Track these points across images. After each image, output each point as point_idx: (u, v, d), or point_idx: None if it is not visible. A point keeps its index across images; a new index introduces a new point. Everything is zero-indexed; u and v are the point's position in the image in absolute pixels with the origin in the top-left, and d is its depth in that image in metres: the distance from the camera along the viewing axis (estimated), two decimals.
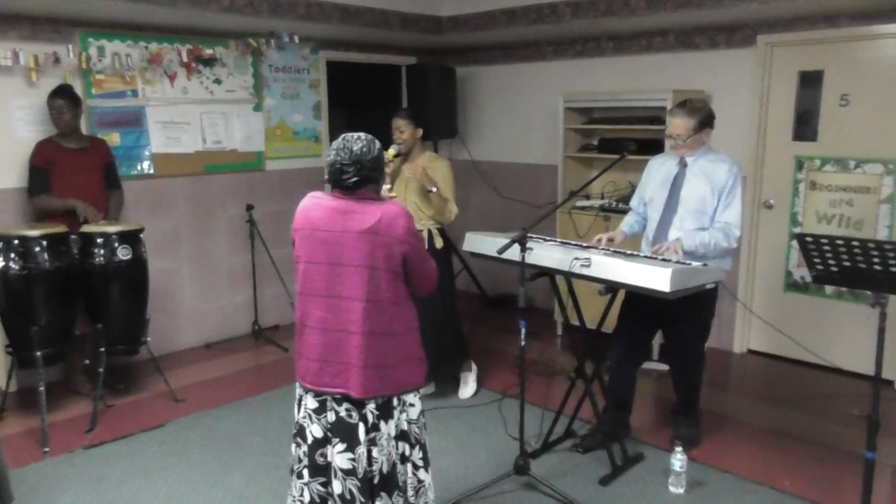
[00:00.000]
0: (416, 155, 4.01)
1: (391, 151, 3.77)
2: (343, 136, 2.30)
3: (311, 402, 2.31)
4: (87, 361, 4.08)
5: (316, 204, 2.30)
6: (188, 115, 5.00)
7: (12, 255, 3.60)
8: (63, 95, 4.06)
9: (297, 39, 5.22)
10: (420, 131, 3.99)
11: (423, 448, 2.41)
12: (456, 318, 4.26)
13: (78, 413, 3.99)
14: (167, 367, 4.44)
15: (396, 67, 6.38)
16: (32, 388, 3.80)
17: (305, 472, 2.32)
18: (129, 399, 4.23)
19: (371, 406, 2.26)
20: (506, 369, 4.60)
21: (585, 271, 2.94)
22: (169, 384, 4.24)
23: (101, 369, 3.89)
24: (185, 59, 4.85)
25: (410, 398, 2.36)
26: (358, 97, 6.26)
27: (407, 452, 2.35)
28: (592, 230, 4.90)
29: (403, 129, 3.93)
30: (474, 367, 4.35)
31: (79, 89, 4.37)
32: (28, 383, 4.06)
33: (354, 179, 2.22)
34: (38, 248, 3.65)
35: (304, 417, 2.32)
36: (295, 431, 2.38)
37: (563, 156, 5.32)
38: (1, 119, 4.19)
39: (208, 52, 4.95)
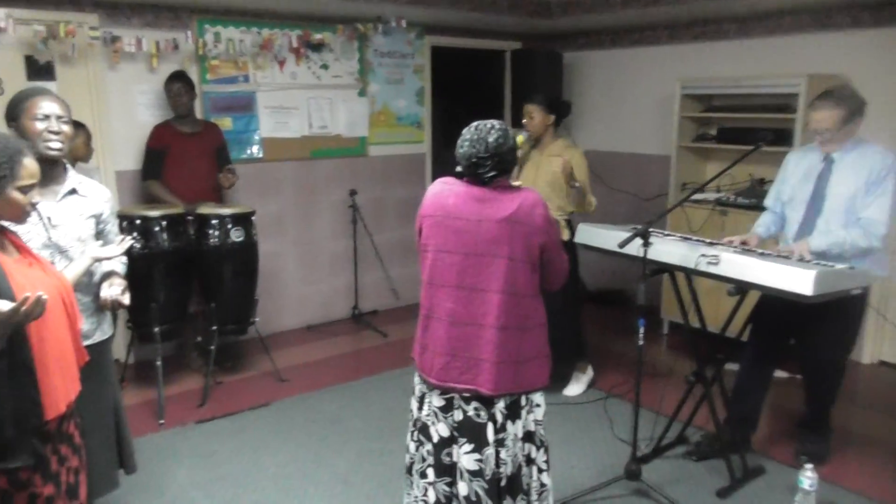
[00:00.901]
0: (548, 142, 3.86)
1: (520, 138, 3.66)
2: (474, 125, 2.20)
3: (436, 401, 2.23)
4: (200, 339, 4.22)
5: (449, 190, 2.21)
6: (296, 100, 5.07)
7: (134, 235, 3.74)
8: (179, 79, 4.19)
9: (403, 24, 5.18)
10: (552, 117, 3.84)
11: (546, 450, 2.31)
12: (577, 314, 4.09)
13: (190, 388, 4.14)
14: (273, 348, 4.54)
15: (500, 53, 6.26)
16: (150, 361, 3.96)
17: (430, 472, 2.25)
18: (237, 377, 4.36)
19: (501, 405, 2.16)
20: (609, 367, 4.43)
21: (713, 269, 2.75)
22: (275, 364, 4.34)
23: (212, 347, 4.02)
24: (294, 44, 4.91)
25: (537, 398, 2.26)
26: (460, 83, 6.18)
27: (533, 454, 2.26)
28: (707, 225, 4.63)
29: (534, 114, 3.81)
30: (590, 370, 4.18)
31: (194, 75, 4.51)
32: (146, 357, 4.24)
33: (493, 173, 2.13)
34: (157, 228, 3.78)
35: (429, 416, 2.25)
36: (414, 428, 2.31)
37: (677, 145, 5.05)
38: (124, 103, 4.37)
39: (317, 37, 4.99)
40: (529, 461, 2.25)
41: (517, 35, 6.19)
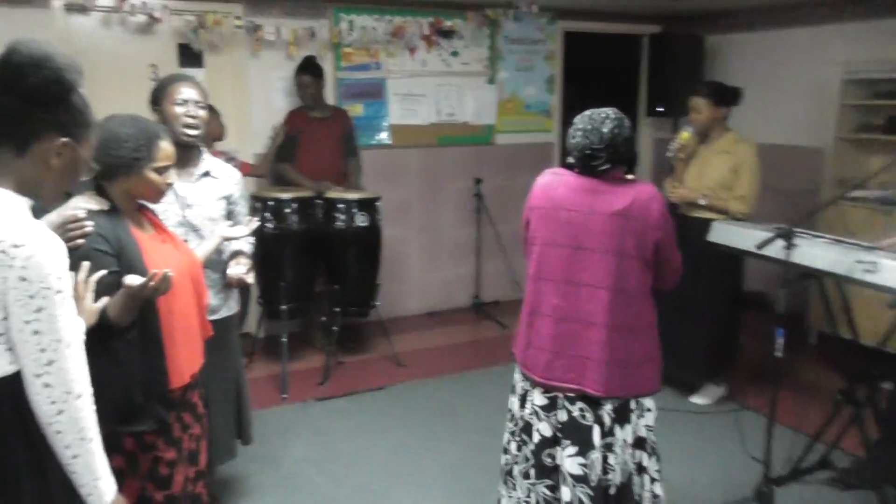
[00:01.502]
0: (717, 136, 3.58)
1: (685, 135, 3.47)
2: (588, 114, 2.07)
3: (539, 399, 2.14)
4: (324, 319, 4.36)
5: (559, 181, 2.11)
6: (425, 88, 5.09)
7: (267, 215, 3.91)
8: (307, 71, 4.30)
9: (535, 9, 5.05)
10: (722, 110, 3.54)
11: (659, 459, 2.15)
12: (736, 322, 3.80)
13: (313, 366, 4.28)
14: (392, 332, 4.61)
15: (637, 37, 5.96)
16: (276, 337, 4.13)
17: (532, 473, 2.17)
18: (358, 358, 4.46)
19: (608, 407, 2.05)
20: (741, 376, 4.10)
21: (870, 278, 2.43)
22: (394, 348, 4.40)
23: (335, 327, 4.13)
24: (425, 31, 4.92)
25: (648, 402, 2.12)
26: (593, 69, 5.95)
27: (644, 462, 2.11)
28: (867, 227, 4.16)
29: (701, 108, 3.53)
30: (725, 385, 3.88)
31: (329, 62, 4.64)
32: (273, 333, 4.44)
33: (606, 166, 2.00)
34: (288, 210, 3.93)
35: (532, 414, 2.17)
36: (514, 427, 2.24)
37: (836, 136, 4.57)
38: (263, 89, 4.57)
39: (448, 24, 4.97)
40: (641, 469, 2.11)
41: (655, 18, 5.87)
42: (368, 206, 4.09)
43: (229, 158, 3.98)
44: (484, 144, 5.40)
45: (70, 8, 3.99)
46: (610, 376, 2.01)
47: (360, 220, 4.04)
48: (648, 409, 2.13)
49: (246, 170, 4.08)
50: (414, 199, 5.23)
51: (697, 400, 3.81)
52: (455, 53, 5.14)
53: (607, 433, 2.05)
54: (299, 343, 4.57)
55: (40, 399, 1.38)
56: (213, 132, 3.99)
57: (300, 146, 4.36)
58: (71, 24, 4.04)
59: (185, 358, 2.04)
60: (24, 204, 1.42)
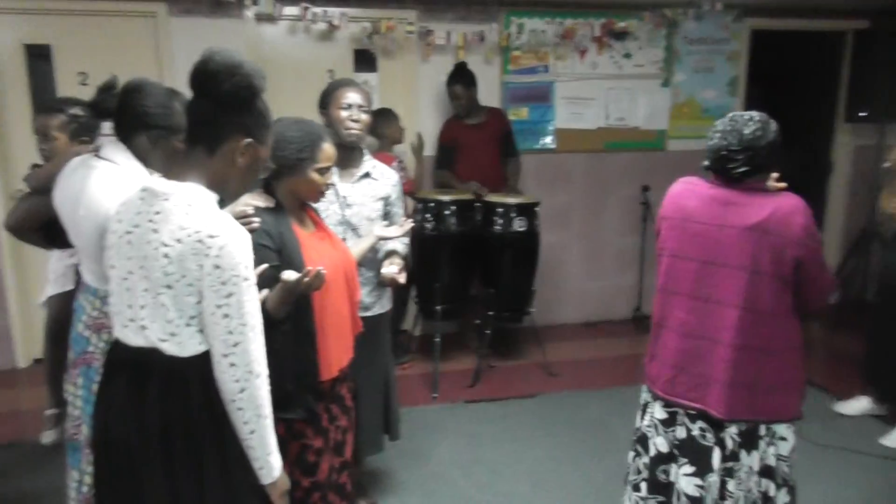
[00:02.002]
0: None
1: None
2: (730, 116, 1.93)
3: (658, 412, 2.05)
4: (478, 322, 4.37)
5: (691, 191, 1.99)
6: (594, 91, 4.94)
7: (427, 216, 3.99)
8: (458, 80, 4.32)
9: (720, 7, 4.71)
10: None
11: (791, 491, 1.95)
12: None
13: (464, 367, 4.31)
14: (546, 340, 4.52)
15: (838, 34, 5.35)
16: (430, 337, 4.21)
17: (643, 486, 2.09)
18: (509, 363, 4.42)
19: (732, 430, 1.90)
20: None
21: None
22: (546, 357, 4.31)
23: (488, 331, 4.13)
24: (597, 33, 4.77)
25: (783, 430, 1.93)
26: (782, 70, 5.44)
27: (771, 492, 1.94)
28: None
29: None
30: None
31: (496, 66, 4.66)
32: (427, 332, 4.53)
33: (744, 169, 1.83)
34: (447, 212, 3.98)
35: (650, 427, 2.08)
36: (635, 438, 2.16)
37: None
38: (432, 94, 4.66)
39: (621, 25, 4.78)
40: (767, 500, 1.92)
41: (863, 13, 5.23)
42: (527, 210, 4.04)
43: (400, 164, 4.11)
44: (654, 150, 5.14)
45: (260, 18, 4.34)
46: (734, 398, 1.88)
47: (518, 225, 4.00)
48: (783, 438, 1.94)
49: (409, 187, 4.19)
50: (576, 205, 5.09)
51: (891, 442, 3.34)
52: (628, 55, 4.94)
53: (729, 457, 1.92)
54: (452, 344, 4.62)
55: (226, 377, 1.49)
56: (392, 135, 4.16)
57: (458, 153, 4.41)
58: (260, 33, 4.39)
59: (336, 351, 2.12)
60: (214, 199, 1.54)
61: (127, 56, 4.17)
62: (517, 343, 4.70)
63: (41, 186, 2.09)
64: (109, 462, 1.65)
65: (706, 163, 1.98)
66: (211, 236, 1.44)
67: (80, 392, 2.06)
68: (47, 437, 2.37)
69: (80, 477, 2.12)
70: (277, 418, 1.98)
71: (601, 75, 4.92)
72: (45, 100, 2.40)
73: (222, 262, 1.44)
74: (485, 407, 3.81)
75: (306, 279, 1.80)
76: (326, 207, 2.47)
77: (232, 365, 1.48)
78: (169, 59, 4.17)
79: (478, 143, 4.39)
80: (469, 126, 4.42)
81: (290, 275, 1.82)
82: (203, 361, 1.51)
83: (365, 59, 4.59)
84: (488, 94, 4.67)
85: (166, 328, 1.50)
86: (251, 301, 1.50)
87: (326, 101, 2.52)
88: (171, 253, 1.46)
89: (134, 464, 1.57)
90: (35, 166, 2.37)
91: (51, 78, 4.13)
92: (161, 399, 1.53)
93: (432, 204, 4.00)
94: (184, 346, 1.51)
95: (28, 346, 4.37)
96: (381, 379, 2.71)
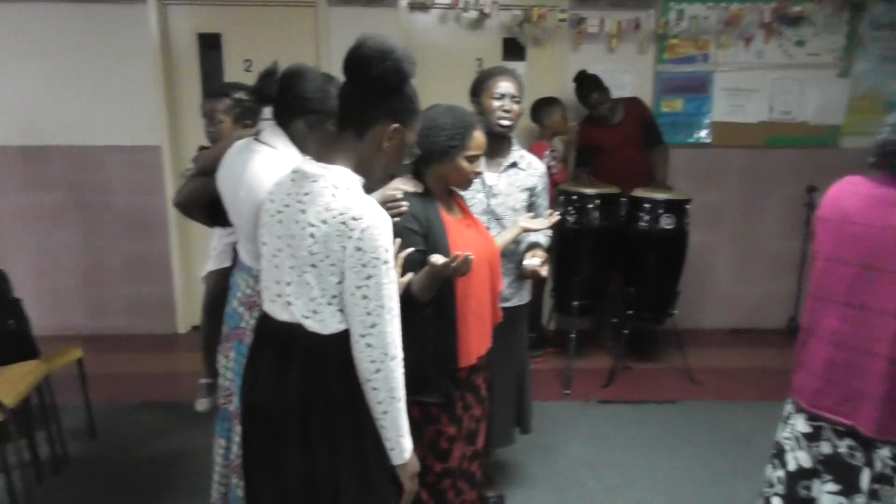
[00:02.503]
0: None
1: None
2: None
3: (801, 425, 1.89)
4: (615, 320, 4.22)
5: (852, 190, 1.80)
6: (758, 82, 4.59)
7: (570, 209, 3.89)
8: (591, 89, 4.14)
9: None
10: None
11: None
12: None
13: (598, 366, 4.17)
14: (688, 344, 4.28)
15: None
16: (565, 332, 4.11)
17: (776, 502, 1.94)
18: (646, 366, 4.24)
19: (885, 452, 1.72)
20: None
21: None
22: (688, 362, 4.08)
23: (625, 331, 3.97)
24: (766, 18, 4.42)
25: None
26: None
27: None
28: None
29: None
30: None
31: (651, 55, 4.44)
32: (562, 327, 4.43)
33: None
34: (591, 206, 3.86)
35: (790, 439, 1.91)
36: (774, 451, 1.99)
37: None
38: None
39: (795, 9, 4.39)
40: None
41: None
42: (676, 207, 3.82)
43: (553, 154, 4.03)
44: (824, 147, 4.69)
45: (413, 6, 4.40)
46: (888, 417, 1.70)
47: (666, 223, 3.80)
48: None
49: (561, 177, 4.10)
50: (730, 204, 4.77)
51: None
52: (800, 43, 4.54)
53: (879, 479, 1.73)
54: (587, 341, 4.50)
55: (363, 357, 1.51)
56: (553, 125, 4.07)
57: (598, 154, 4.27)
58: (412, 21, 4.46)
59: (475, 339, 2.11)
60: (359, 182, 1.57)
61: (288, 44, 4.39)
62: (656, 345, 4.48)
63: (207, 167, 2.22)
64: (254, 430, 1.73)
65: (872, 159, 1.78)
66: (354, 218, 1.46)
67: (231, 365, 2.17)
68: (201, 404, 2.55)
69: (227, 444, 2.24)
70: (414, 401, 2.02)
71: (767, 65, 4.55)
72: (212, 85, 2.54)
73: (364, 245, 1.46)
74: (619, 409, 3.67)
75: (454, 264, 1.79)
76: (472, 196, 2.45)
77: (368, 346, 1.50)
78: (326, 48, 4.34)
79: (617, 142, 4.21)
80: (606, 127, 4.24)
81: (437, 258, 1.82)
82: (343, 340, 1.54)
83: (514, 48, 4.54)
84: (639, 84, 4.47)
85: (309, 305, 1.55)
86: (390, 284, 1.51)
87: (479, 89, 2.50)
88: (316, 233, 1.49)
89: (275, 433, 1.63)
90: (202, 148, 2.53)
91: (219, 65, 4.43)
92: (302, 373, 1.58)
93: (575, 196, 3.89)
94: (325, 323, 1.54)
95: (188, 314, 4.75)
96: (516, 371, 2.67)
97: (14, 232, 4.50)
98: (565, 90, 4.51)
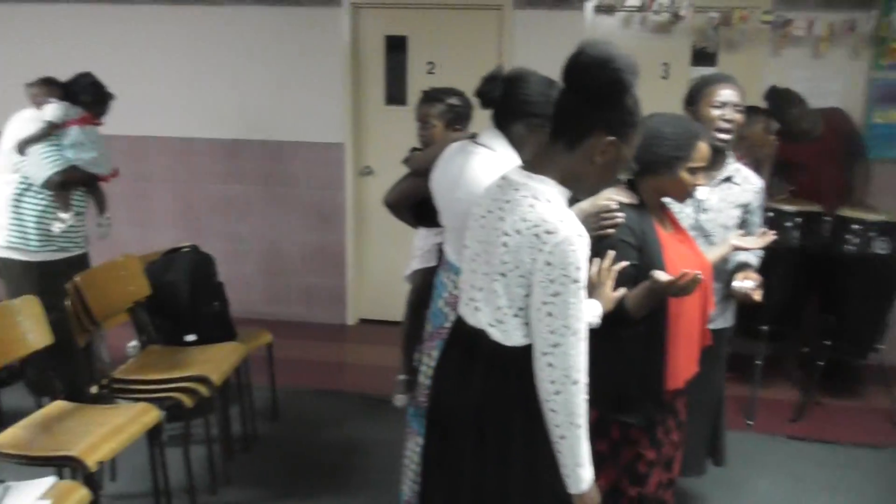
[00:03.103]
0: None
1: None
2: None
3: None
4: (807, 350, 3.86)
5: None
6: None
7: (765, 227, 3.59)
8: (788, 103, 3.79)
9: None
10: None
11: None
12: None
13: (784, 397, 3.84)
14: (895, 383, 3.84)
15: None
16: (748, 357, 3.81)
17: None
18: (842, 403, 3.84)
19: None
20: None
21: None
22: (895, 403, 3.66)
23: (820, 362, 3.62)
24: None
25: None
26: None
27: None
28: None
29: None
30: None
31: (863, 61, 4.03)
32: (745, 352, 4.12)
33: None
34: (789, 224, 3.56)
35: None
36: None
37: None
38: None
39: None
40: None
41: None
42: (892, 230, 3.43)
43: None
44: None
45: (599, 9, 4.28)
46: None
47: (879, 247, 3.42)
48: None
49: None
50: None
51: None
52: None
53: None
54: (773, 369, 4.15)
55: (543, 376, 1.47)
56: (754, 138, 3.70)
57: (793, 170, 3.95)
58: (596, 25, 4.33)
59: (683, 362, 1.99)
60: (562, 195, 1.51)
61: (472, 47, 4.42)
62: (856, 381, 4.05)
63: (420, 168, 2.26)
64: (435, 430, 1.74)
65: None
66: (548, 232, 1.42)
67: (433, 364, 2.19)
68: (399, 400, 2.61)
69: (422, 442, 2.27)
70: (614, 420, 1.94)
71: None
72: (427, 90, 2.60)
73: (554, 260, 1.41)
74: (810, 447, 3.35)
75: (681, 282, 1.69)
76: (680, 210, 2.31)
77: (550, 365, 1.45)
78: (510, 51, 4.33)
79: (815, 158, 3.85)
80: (804, 143, 3.88)
81: (661, 275, 1.72)
82: (525, 355, 1.50)
83: (703, 53, 4.29)
84: (847, 93, 4.07)
85: (495, 314, 1.53)
86: (577, 304, 1.44)
87: (696, 97, 2.35)
88: (509, 242, 1.47)
89: (453, 437, 1.64)
90: (414, 149, 2.59)
91: (403, 66, 4.55)
92: (482, 381, 1.57)
93: (772, 214, 3.59)
94: (508, 335, 1.52)
95: (357, 307, 4.92)
96: (715, 398, 2.51)
97: (210, 219, 4.88)
98: (759, 99, 4.20)
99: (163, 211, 4.88)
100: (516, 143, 1.98)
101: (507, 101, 1.97)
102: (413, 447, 2.33)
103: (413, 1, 4.44)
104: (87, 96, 3.13)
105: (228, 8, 4.53)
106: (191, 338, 3.11)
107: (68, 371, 2.77)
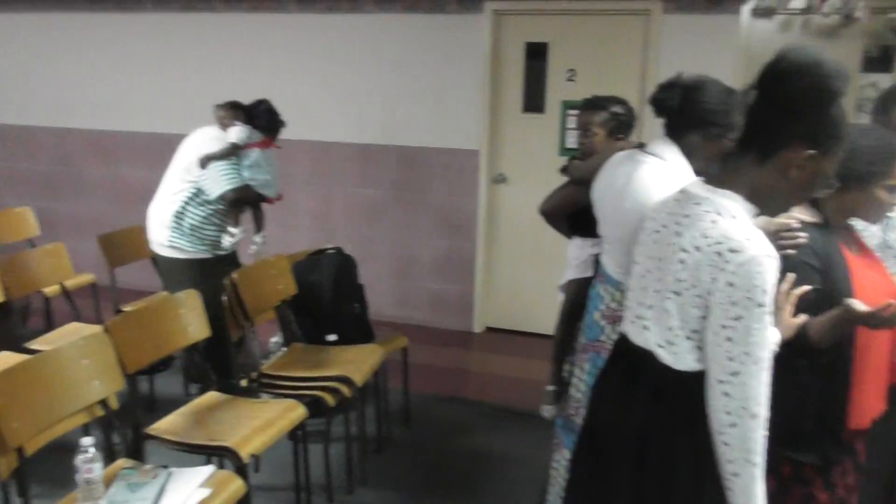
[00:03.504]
0: None
1: None
2: None
3: None
4: None
5: None
6: None
7: None
8: None
9: None
10: None
11: None
12: None
13: None
14: None
15: None
16: None
17: None
18: None
19: None
20: None
21: None
22: None
23: None
24: None
25: None
26: None
27: None
28: None
29: None
30: None
31: None
32: None
33: None
34: None
35: None
36: None
37: None
38: None
39: None
40: None
41: None
42: None
43: None
44: None
45: (757, 12, 4.02)
46: None
47: None
48: None
49: None
50: None
51: None
52: None
53: None
54: None
55: (718, 406, 1.37)
56: None
57: None
58: (752, 29, 4.08)
59: (869, 399, 1.82)
60: (749, 212, 1.40)
61: (614, 54, 4.29)
62: None
63: (582, 178, 2.20)
64: (588, 449, 1.68)
65: None
66: (732, 251, 1.31)
67: (584, 377, 2.12)
68: (547, 411, 2.55)
69: (570, 456, 2.20)
70: (785, 457, 1.78)
71: None
72: (589, 98, 2.53)
73: (737, 281, 1.31)
74: None
75: (885, 314, 1.53)
76: (864, 227, 2.11)
77: (726, 395, 1.34)
78: (655, 58, 4.16)
79: None
80: None
81: (858, 304, 1.57)
82: (697, 381, 1.40)
83: (873, 58, 3.94)
84: None
85: (666, 335, 1.44)
86: (761, 330, 1.32)
87: (887, 106, 2.14)
88: (686, 259, 1.37)
89: (608, 460, 1.56)
90: (573, 159, 2.53)
91: (542, 74, 4.49)
92: (645, 405, 1.48)
93: None
94: (679, 358, 1.43)
95: (484, 315, 4.89)
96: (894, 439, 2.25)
97: (345, 221, 5.02)
98: None
99: (302, 212, 5.08)
100: (689, 154, 1.88)
101: (684, 109, 1.87)
102: (560, 459, 2.28)
103: (556, 8, 4.37)
104: (262, 121, 3.29)
105: (375, 16, 4.65)
106: (332, 337, 3.18)
107: (221, 363, 2.91)
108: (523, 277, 4.75)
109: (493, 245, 4.80)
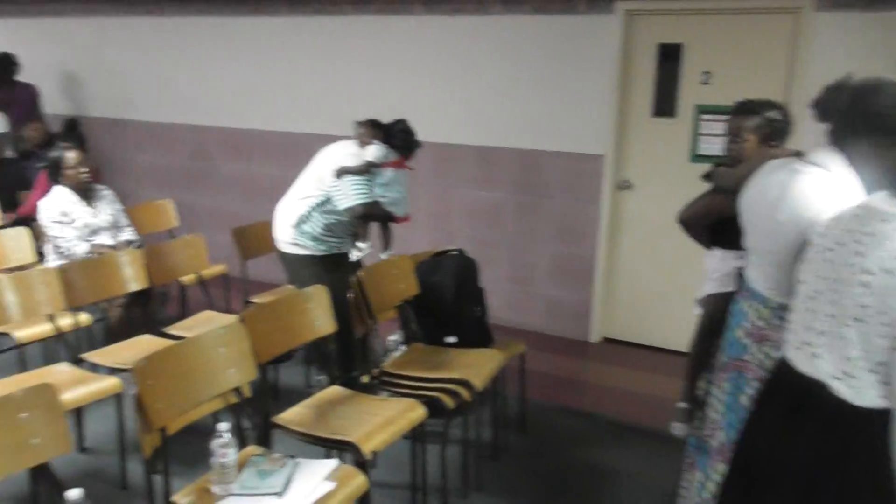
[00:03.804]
0: None
1: None
2: None
3: None
4: None
5: None
6: None
7: None
8: None
9: None
10: None
11: None
12: None
13: None
14: None
15: None
16: None
17: None
18: None
19: None
20: None
21: None
22: None
23: None
24: None
25: None
26: None
27: None
28: None
29: None
30: None
31: None
32: None
33: None
34: None
35: None
36: None
37: None
38: None
39: None
40: None
41: None
42: None
43: None
44: None
45: None
46: None
47: None
48: None
49: None
50: None
51: None
52: None
53: None
54: None
55: None
56: None
57: None
58: None
59: None
60: None
61: (755, 55, 4.03)
62: None
63: (729, 186, 2.05)
64: (744, 478, 1.56)
65: None
66: None
67: (724, 397, 1.97)
68: (678, 429, 2.41)
69: (704, 480, 2.06)
70: None
71: None
72: (741, 101, 2.36)
73: None
74: None
75: None
76: None
77: None
78: (804, 59, 3.86)
79: None
80: None
81: None
82: (880, 419, 1.25)
83: None
84: None
85: (843, 365, 1.29)
86: None
87: None
88: (873, 282, 1.23)
89: (767, 492, 1.45)
90: (719, 165, 2.37)
91: (675, 76, 4.28)
92: (816, 440, 1.35)
93: None
94: (860, 392, 1.28)
95: (601, 325, 4.73)
96: None
97: (462, 222, 5.01)
98: None
99: (422, 213, 5.12)
100: (856, 164, 1.68)
101: (853, 113, 1.68)
102: (692, 480, 2.13)
103: (692, 7, 4.15)
104: (398, 141, 3.34)
105: (503, 17, 4.61)
106: (451, 339, 3.16)
107: (345, 357, 2.95)
108: (646, 288, 4.56)
109: (614, 253, 4.63)
